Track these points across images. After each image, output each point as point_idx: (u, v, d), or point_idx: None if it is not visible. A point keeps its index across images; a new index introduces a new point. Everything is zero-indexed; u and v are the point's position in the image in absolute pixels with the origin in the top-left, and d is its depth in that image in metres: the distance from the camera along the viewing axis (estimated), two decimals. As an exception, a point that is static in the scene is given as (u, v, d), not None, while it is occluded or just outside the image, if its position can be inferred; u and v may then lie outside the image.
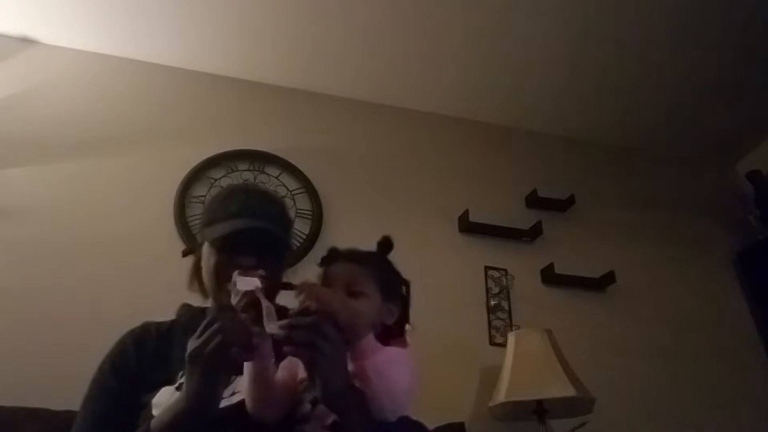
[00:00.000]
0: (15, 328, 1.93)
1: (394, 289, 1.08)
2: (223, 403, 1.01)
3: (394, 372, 0.92)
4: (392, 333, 1.06)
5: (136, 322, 1.23)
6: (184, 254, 1.33)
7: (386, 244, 1.11)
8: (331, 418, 0.93)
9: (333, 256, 1.08)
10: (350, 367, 0.94)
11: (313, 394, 0.94)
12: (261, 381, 0.95)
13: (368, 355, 0.92)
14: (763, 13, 2.39)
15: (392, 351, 0.97)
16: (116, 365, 1.14)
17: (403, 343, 1.05)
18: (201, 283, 1.24)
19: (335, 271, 1.04)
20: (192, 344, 0.90)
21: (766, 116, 2.92)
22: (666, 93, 2.78)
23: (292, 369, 0.99)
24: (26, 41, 2.43)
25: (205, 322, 0.91)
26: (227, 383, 0.97)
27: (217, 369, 0.90)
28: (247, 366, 0.95)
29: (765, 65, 2.64)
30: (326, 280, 1.03)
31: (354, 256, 1.07)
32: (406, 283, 1.12)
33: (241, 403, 0.99)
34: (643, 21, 2.42)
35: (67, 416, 1.50)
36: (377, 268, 1.06)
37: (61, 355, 1.88)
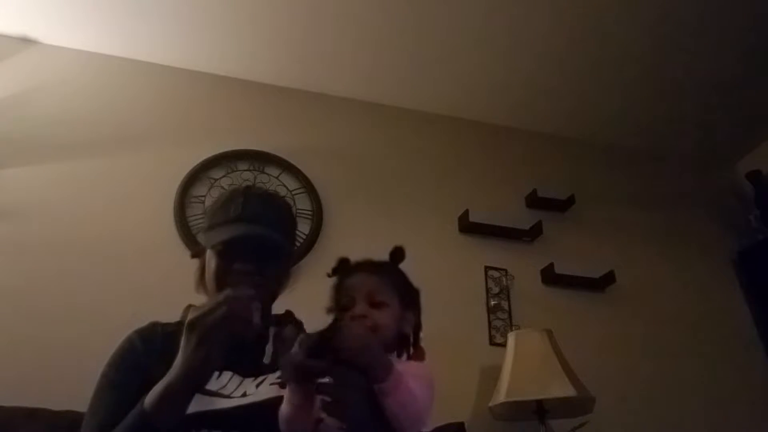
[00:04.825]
0: (15, 328, 1.92)
1: (410, 298, 1.10)
2: (234, 402, 1.01)
3: (418, 399, 0.94)
4: (409, 341, 1.08)
5: (136, 322, 1.23)
6: (193, 256, 1.34)
7: (399, 254, 1.12)
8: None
9: (346, 267, 1.10)
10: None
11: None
12: (300, 419, 0.95)
13: (393, 392, 0.92)
14: (763, 13, 2.39)
15: (415, 376, 0.97)
16: (126, 360, 1.14)
17: (421, 355, 1.07)
18: (206, 285, 1.25)
19: (355, 282, 1.06)
20: (193, 312, 0.92)
21: (766, 116, 2.92)
22: (666, 93, 2.78)
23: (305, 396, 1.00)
24: (26, 41, 2.43)
25: (213, 302, 0.93)
26: (222, 359, 0.97)
27: (215, 338, 0.91)
28: (289, 407, 0.95)
29: (765, 65, 2.64)
30: (346, 292, 1.05)
31: (371, 267, 1.09)
32: (417, 291, 1.13)
33: (256, 405, 1.00)
34: (643, 21, 2.42)
35: (68, 416, 1.51)
36: (395, 278, 1.08)
37: (61, 355, 1.88)
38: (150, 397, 0.94)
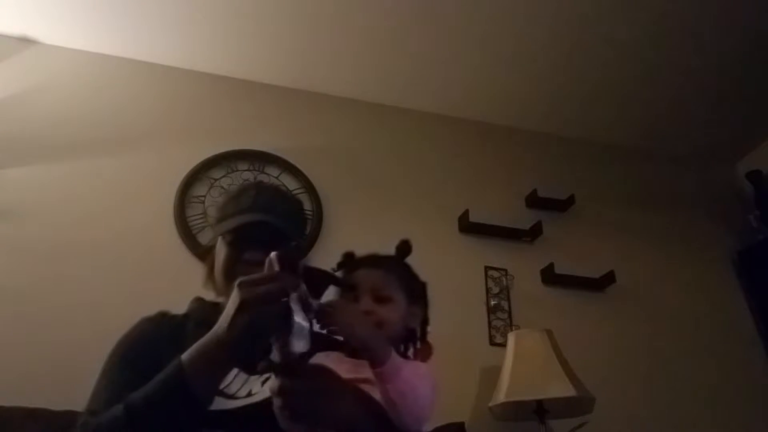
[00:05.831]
0: (14, 328, 1.92)
1: (417, 292, 1.10)
2: (239, 403, 1.00)
3: (418, 391, 0.92)
4: (416, 336, 1.08)
5: (136, 322, 1.23)
6: (198, 256, 1.33)
7: (405, 248, 1.12)
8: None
9: (352, 262, 1.09)
10: (376, 392, 0.93)
11: None
12: None
13: (392, 378, 0.91)
14: (763, 13, 2.39)
15: (414, 369, 0.96)
16: (140, 340, 1.13)
17: (428, 350, 1.07)
18: (215, 281, 1.24)
19: (361, 277, 1.05)
20: (248, 290, 0.85)
21: (766, 116, 2.92)
22: (666, 93, 2.78)
23: None
24: (26, 41, 2.43)
25: (265, 274, 0.87)
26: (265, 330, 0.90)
27: (267, 326, 0.85)
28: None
29: (765, 65, 2.64)
30: (351, 287, 1.04)
31: (377, 262, 1.08)
32: (424, 285, 1.12)
33: (260, 404, 0.98)
34: (642, 21, 2.42)
35: (67, 416, 1.51)
36: (401, 272, 1.07)
37: (61, 355, 1.88)
38: (188, 354, 0.91)
